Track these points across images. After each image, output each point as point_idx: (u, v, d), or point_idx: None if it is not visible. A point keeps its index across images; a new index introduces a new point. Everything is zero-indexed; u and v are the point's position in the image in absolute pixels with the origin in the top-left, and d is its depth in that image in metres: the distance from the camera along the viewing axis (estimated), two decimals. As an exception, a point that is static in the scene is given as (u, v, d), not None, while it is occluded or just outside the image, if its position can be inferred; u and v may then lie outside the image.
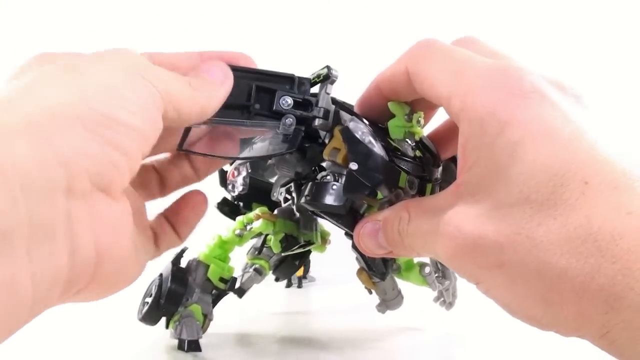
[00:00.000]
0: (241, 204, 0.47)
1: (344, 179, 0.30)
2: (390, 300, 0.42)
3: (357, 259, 0.42)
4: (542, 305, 0.22)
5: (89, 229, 0.21)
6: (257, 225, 0.39)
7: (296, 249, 0.40)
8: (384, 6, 0.77)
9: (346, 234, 0.35)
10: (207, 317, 0.43)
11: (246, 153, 0.33)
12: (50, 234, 0.20)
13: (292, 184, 0.37)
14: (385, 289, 0.41)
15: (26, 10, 0.78)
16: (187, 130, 0.31)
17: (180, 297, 0.41)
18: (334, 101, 0.33)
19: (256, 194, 0.45)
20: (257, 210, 0.40)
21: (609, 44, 0.82)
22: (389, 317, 0.53)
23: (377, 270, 0.37)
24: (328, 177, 0.32)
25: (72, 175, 0.20)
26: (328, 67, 0.32)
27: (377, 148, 0.30)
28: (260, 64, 0.32)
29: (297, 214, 0.38)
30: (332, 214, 0.32)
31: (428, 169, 0.32)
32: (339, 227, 0.33)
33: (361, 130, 0.30)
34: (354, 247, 0.35)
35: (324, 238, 0.43)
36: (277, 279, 0.53)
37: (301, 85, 0.32)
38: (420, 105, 0.32)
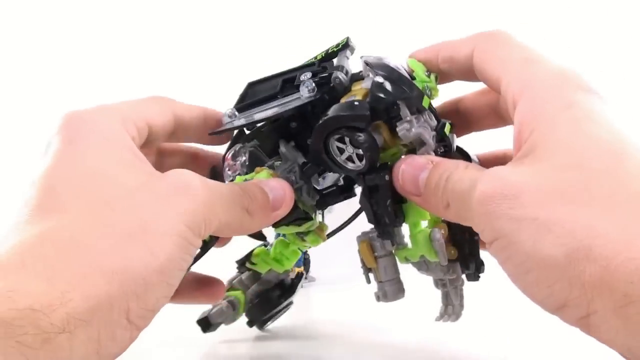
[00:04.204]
0: None
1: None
2: (389, 286, 0.35)
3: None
4: (564, 264, 0.21)
5: None
6: (258, 175, 0.35)
7: (292, 222, 0.36)
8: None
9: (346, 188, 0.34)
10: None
11: (275, 110, 0.33)
12: None
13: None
14: (386, 266, 0.35)
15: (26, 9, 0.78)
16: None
17: None
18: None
19: None
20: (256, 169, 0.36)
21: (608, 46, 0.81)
22: (390, 317, 0.52)
23: (389, 220, 0.32)
24: None
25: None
26: (348, 37, 0.33)
27: (403, 70, 0.30)
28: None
29: (299, 183, 0.35)
30: (354, 129, 0.30)
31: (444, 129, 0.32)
32: (355, 170, 0.31)
33: (385, 58, 0.31)
34: (362, 201, 0.33)
35: (321, 228, 0.40)
36: (250, 323, 0.47)
37: (322, 65, 0.33)
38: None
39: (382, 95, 0.29)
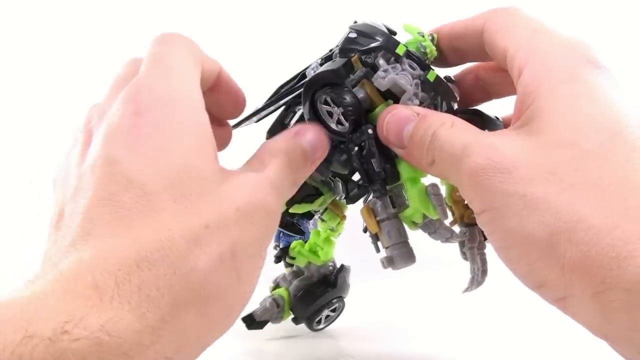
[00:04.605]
0: None
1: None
2: (395, 250, 0.33)
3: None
4: (546, 244, 0.21)
5: None
6: None
7: (303, 200, 0.36)
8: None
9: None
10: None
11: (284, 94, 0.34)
12: None
13: None
14: (389, 230, 0.32)
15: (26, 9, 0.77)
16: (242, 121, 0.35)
17: None
18: None
19: None
20: None
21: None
22: (392, 317, 0.52)
23: (378, 176, 0.31)
24: None
25: None
26: (355, 21, 0.33)
27: (380, 26, 0.31)
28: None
29: None
30: (332, 86, 0.30)
31: (437, 84, 0.31)
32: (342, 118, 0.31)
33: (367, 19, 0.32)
34: (354, 162, 0.32)
35: (336, 204, 0.39)
36: (295, 320, 0.46)
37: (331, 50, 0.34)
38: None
39: (351, 47, 0.30)
